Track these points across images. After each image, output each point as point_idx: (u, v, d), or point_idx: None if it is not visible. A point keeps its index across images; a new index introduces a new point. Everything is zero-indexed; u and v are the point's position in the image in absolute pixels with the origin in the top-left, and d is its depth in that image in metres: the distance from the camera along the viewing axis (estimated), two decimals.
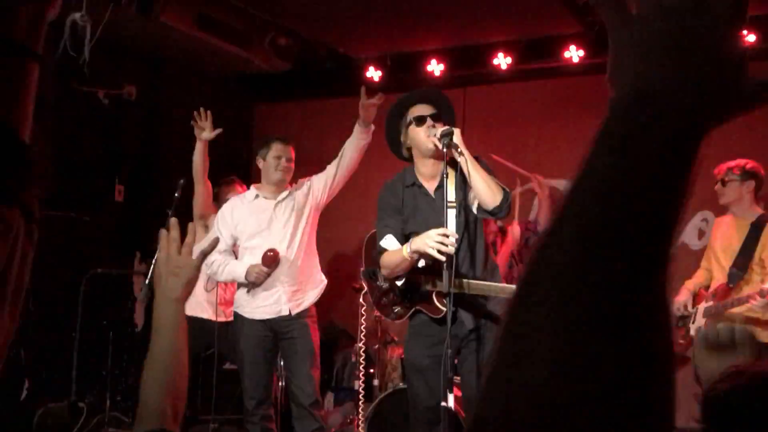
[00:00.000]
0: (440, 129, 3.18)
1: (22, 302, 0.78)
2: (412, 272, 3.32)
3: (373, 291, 3.74)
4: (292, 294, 4.05)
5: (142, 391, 1.43)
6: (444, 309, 3.21)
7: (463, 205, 3.29)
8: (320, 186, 4.24)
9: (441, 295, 3.23)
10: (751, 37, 4.86)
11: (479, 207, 3.22)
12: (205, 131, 4.44)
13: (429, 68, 5.88)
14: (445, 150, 3.10)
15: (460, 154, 3.10)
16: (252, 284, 4.02)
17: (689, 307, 4.19)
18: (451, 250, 2.98)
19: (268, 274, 3.97)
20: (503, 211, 3.18)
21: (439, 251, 2.97)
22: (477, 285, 3.20)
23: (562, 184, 5.82)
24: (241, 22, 5.76)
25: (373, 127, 4.16)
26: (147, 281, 4.11)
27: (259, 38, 6.00)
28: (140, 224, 6.10)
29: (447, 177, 3.13)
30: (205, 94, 6.56)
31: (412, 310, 3.43)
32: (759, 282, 3.99)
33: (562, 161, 5.82)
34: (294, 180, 4.29)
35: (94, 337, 5.72)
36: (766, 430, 0.92)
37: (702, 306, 4.17)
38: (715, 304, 4.07)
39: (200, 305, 4.51)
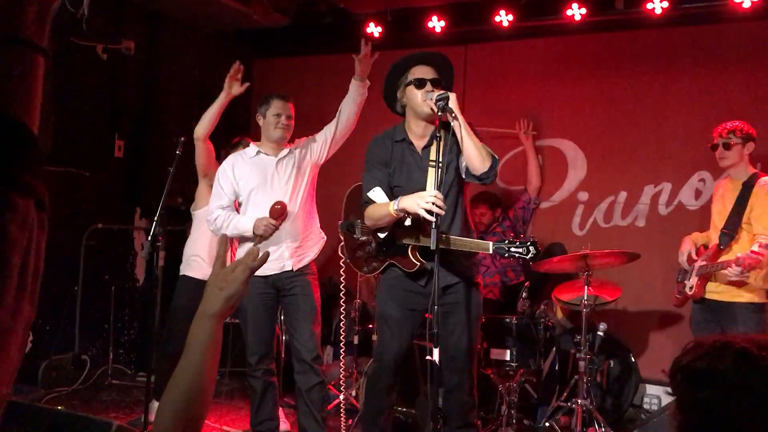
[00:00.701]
0: (436, 93, 3.24)
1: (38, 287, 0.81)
2: (393, 226, 3.41)
3: (348, 244, 3.83)
4: (295, 250, 4.10)
5: (158, 411, 1.38)
6: (418, 263, 3.36)
7: (452, 166, 3.37)
8: (320, 144, 4.26)
9: (417, 250, 3.36)
10: None
11: (467, 171, 3.32)
12: (235, 85, 4.44)
13: (430, 25, 5.81)
14: (440, 114, 3.17)
15: (455, 118, 3.20)
16: (260, 238, 4.03)
17: (693, 255, 4.29)
18: (441, 212, 3.08)
19: (277, 228, 3.99)
20: (490, 177, 3.28)
21: (429, 212, 3.07)
22: (459, 241, 3.31)
23: (560, 143, 5.84)
24: None
25: (368, 82, 4.17)
26: (149, 238, 4.14)
27: None
28: (140, 180, 6.13)
29: (441, 140, 3.18)
30: (203, 50, 6.52)
31: (386, 263, 3.53)
32: (747, 242, 4.10)
33: (562, 119, 5.82)
34: (294, 138, 4.30)
35: (96, 291, 5.80)
36: (724, 390, 0.96)
37: (697, 264, 4.25)
38: (706, 264, 4.16)
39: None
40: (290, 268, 4.07)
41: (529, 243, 3.17)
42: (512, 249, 3.18)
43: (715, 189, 4.47)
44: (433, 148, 3.34)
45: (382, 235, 3.49)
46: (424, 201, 3.08)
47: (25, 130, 0.80)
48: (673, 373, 1.02)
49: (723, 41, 5.32)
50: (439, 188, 3.13)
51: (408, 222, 3.35)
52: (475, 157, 3.22)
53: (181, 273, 4.92)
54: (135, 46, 5.91)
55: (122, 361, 6.05)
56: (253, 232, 4.02)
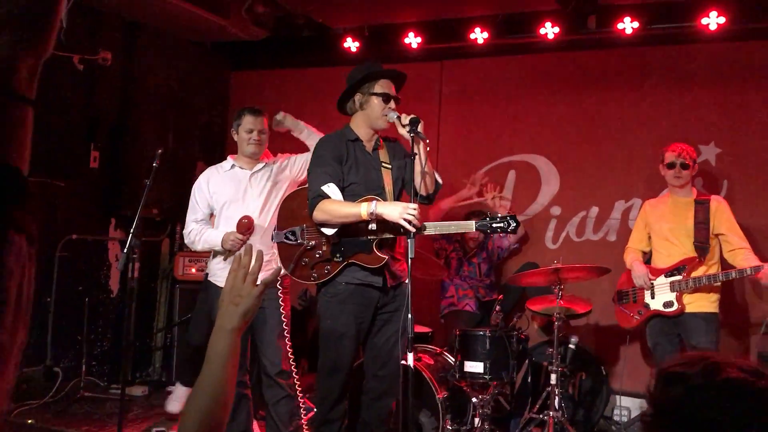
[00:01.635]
0: (408, 117, 3.42)
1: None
2: (346, 225, 3.52)
3: (287, 254, 3.74)
4: (265, 263, 4.11)
5: (182, 418, 1.45)
6: (385, 257, 3.52)
7: (400, 178, 3.66)
8: (300, 166, 4.29)
9: (380, 246, 3.53)
10: (720, 19, 4.96)
11: (414, 190, 3.56)
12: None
13: (406, 41, 5.88)
14: (412, 135, 3.36)
15: (428, 144, 3.40)
16: (228, 252, 4.07)
17: (650, 275, 4.43)
18: (419, 224, 3.32)
19: (244, 242, 4.01)
20: (431, 200, 3.64)
21: (409, 222, 3.28)
22: (441, 225, 3.66)
23: (534, 158, 5.93)
24: None
25: (303, 125, 4.34)
26: (125, 250, 4.13)
27: (237, 6, 5.97)
28: (115, 191, 6.10)
29: (414, 158, 3.37)
30: (181, 61, 6.53)
31: (343, 264, 3.58)
32: (716, 253, 4.36)
33: (535, 135, 5.92)
34: (277, 152, 4.34)
35: (69, 302, 5.75)
36: (688, 390, 1.07)
37: (665, 280, 4.35)
38: (687, 278, 4.26)
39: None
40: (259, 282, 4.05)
41: (508, 217, 3.45)
42: (494, 224, 3.46)
43: (648, 208, 4.64)
44: (382, 152, 3.67)
45: (329, 232, 3.55)
46: (407, 212, 3.28)
47: (18, 173, 0.91)
48: (655, 377, 1.14)
49: (691, 61, 5.47)
50: (430, 195, 3.45)
51: (373, 226, 3.46)
52: (427, 180, 3.50)
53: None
54: (112, 56, 5.91)
55: (95, 373, 5.99)
56: (222, 247, 4.04)
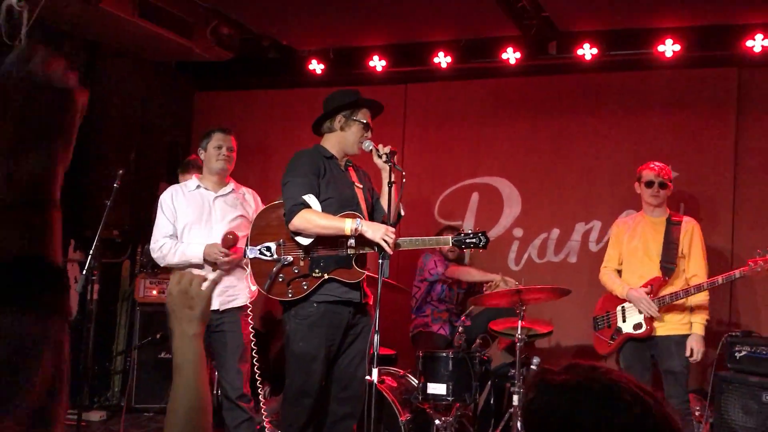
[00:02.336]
0: (386, 148, 3.62)
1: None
2: (322, 237, 3.59)
3: (261, 270, 3.68)
4: (224, 289, 4.02)
5: (165, 430, 1.44)
6: (364, 272, 3.63)
7: (367, 196, 3.83)
8: None
9: (359, 262, 3.62)
10: (676, 47, 5.12)
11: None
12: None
13: (371, 64, 5.95)
14: (390, 166, 3.58)
15: (404, 176, 3.60)
16: (214, 265, 3.97)
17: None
18: (393, 248, 3.49)
19: (226, 256, 3.94)
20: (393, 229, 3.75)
21: (387, 244, 3.46)
22: (417, 240, 3.83)
23: (496, 181, 6.01)
24: (183, 11, 5.71)
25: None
26: (84, 271, 4.06)
27: (201, 27, 5.96)
28: (75, 211, 6.00)
29: (392, 186, 3.59)
30: (144, 81, 6.48)
31: (322, 279, 3.58)
32: (681, 272, 4.38)
33: (498, 158, 6.00)
34: (251, 187, 4.33)
35: None
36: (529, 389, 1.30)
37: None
38: (653, 299, 4.27)
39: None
40: (216, 307, 3.96)
41: (480, 233, 3.70)
42: (467, 240, 3.68)
43: (621, 225, 4.64)
44: (352, 173, 3.83)
45: (305, 242, 3.57)
46: (386, 234, 3.45)
47: (60, 269, 1.10)
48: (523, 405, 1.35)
49: (648, 86, 5.62)
50: (392, 225, 3.54)
51: (352, 242, 3.53)
52: (393, 210, 3.61)
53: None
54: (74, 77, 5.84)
55: None
56: (204, 260, 3.96)
